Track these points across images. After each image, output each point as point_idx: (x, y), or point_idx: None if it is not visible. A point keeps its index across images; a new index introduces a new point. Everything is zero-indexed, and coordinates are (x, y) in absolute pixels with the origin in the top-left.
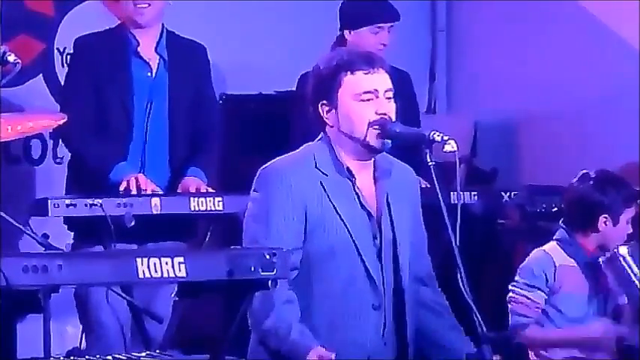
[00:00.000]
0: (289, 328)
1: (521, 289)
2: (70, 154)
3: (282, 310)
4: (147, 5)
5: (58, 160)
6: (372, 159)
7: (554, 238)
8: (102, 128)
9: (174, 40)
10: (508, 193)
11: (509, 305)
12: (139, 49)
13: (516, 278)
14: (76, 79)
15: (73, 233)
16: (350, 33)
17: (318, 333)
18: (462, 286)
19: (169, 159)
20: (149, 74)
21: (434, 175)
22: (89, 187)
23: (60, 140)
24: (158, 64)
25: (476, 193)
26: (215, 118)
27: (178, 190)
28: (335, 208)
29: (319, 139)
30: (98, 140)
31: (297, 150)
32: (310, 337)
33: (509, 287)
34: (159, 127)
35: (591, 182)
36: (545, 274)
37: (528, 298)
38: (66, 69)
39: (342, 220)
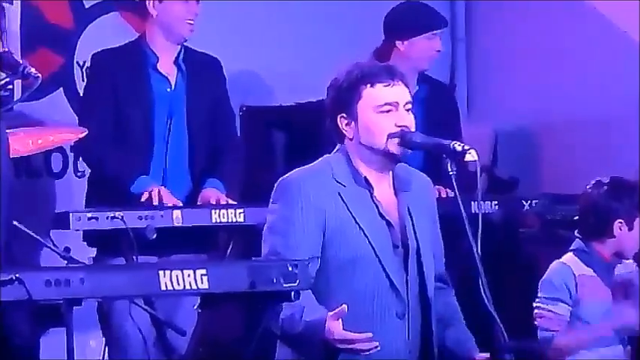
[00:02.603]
0: (302, 311)
1: (543, 303)
2: (89, 170)
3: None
4: (194, 20)
5: (79, 174)
6: (390, 170)
7: (570, 248)
8: (123, 143)
9: (191, 54)
10: (529, 202)
11: (536, 321)
12: (158, 64)
13: (539, 294)
14: (95, 94)
15: (95, 248)
16: (403, 43)
17: None
18: (483, 295)
19: (191, 173)
20: (169, 89)
21: (455, 185)
22: (110, 202)
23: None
24: (176, 78)
25: (496, 202)
26: (234, 133)
27: (198, 202)
28: (354, 217)
29: (336, 151)
30: (120, 155)
31: (315, 162)
32: (320, 310)
33: (534, 304)
34: (179, 142)
35: (605, 188)
36: (567, 286)
37: (551, 312)
38: (84, 83)
39: (362, 230)
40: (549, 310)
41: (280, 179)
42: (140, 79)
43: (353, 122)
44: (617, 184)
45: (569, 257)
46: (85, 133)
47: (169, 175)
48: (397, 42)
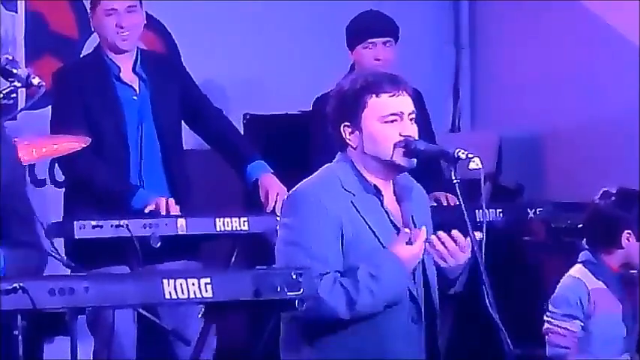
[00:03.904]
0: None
1: (557, 319)
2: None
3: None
4: (130, 31)
5: None
6: (392, 179)
7: (578, 260)
8: (100, 154)
9: (147, 57)
10: (533, 210)
11: (546, 336)
12: (121, 73)
13: (551, 308)
14: (65, 109)
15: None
16: (351, 53)
17: (363, 348)
18: (488, 304)
19: (166, 177)
20: (135, 97)
21: (459, 193)
22: (93, 212)
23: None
24: (139, 85)
25: (501, 210)
26: (220, 111)
27: (261, 192)
28: (369, 225)
29: (337, 161)
30: (100, 166)
31: (317, 173)
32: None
33: (545, 318)
34: (152, 148)
35: (613, 199)
36: (581, 301)
37: (566, 329)
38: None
39: (377, 237)
40: (562, 327)
41: (289, 193)
42: (107, 91)
43: (357, 132)
44: (625, 194)
45: (579, 270)
46: (89, 143)
47: (146, 182)
48: (349, 53)
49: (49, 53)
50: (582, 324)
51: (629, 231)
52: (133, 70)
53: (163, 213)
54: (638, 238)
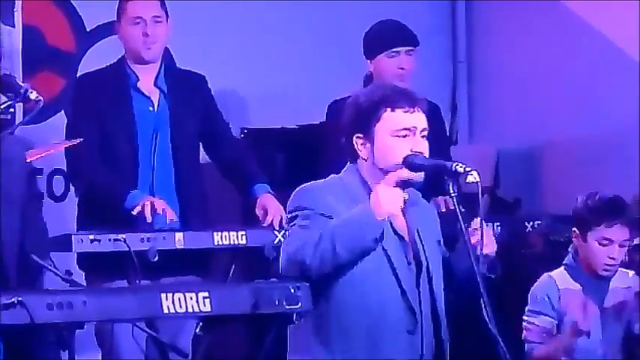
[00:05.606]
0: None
1: (528, 315)
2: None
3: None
4: (155, 42)
5: None
6: None
7: (563, 262)
8: (109, 162)
9: (172, 72)
10: (531, 223)
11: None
12: (138, 83)
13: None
14: (79, 116)
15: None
16: (371, 63)
17: (355, 353)
18: (486, 317)
19: (177, 194)
20: (151, 108)
21: (457, 206)
22: (101, 222)
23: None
24: (159, 97)
25: (499, 223)
26: (236, 139)
27: (258, 210)
28: None
29: (346, 170)
30: (107, 174)
31: (324, 179)
32: None
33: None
34: (165, 162)
35: (586, 199)
36: (549, 299)
37: (533, 324)
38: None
39: (380, 243)
40: (531, 323)
41: (300, 187)
42: (122, 100)
43: (369, 144)
44: (599, 197)
45: (558, 271)
46: (79, 141)
47: (156, 190)
48: (368, 63)
49: (46, 68)
50: (553, 320)
51: (575, 229)
52: (155, 82)
53: (148, 215)
54: (584, 239)
